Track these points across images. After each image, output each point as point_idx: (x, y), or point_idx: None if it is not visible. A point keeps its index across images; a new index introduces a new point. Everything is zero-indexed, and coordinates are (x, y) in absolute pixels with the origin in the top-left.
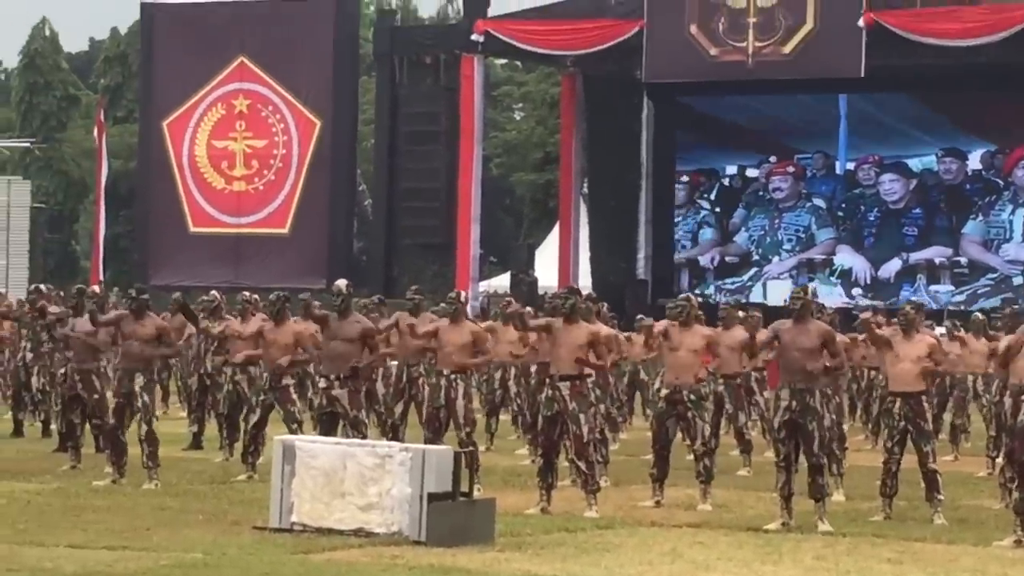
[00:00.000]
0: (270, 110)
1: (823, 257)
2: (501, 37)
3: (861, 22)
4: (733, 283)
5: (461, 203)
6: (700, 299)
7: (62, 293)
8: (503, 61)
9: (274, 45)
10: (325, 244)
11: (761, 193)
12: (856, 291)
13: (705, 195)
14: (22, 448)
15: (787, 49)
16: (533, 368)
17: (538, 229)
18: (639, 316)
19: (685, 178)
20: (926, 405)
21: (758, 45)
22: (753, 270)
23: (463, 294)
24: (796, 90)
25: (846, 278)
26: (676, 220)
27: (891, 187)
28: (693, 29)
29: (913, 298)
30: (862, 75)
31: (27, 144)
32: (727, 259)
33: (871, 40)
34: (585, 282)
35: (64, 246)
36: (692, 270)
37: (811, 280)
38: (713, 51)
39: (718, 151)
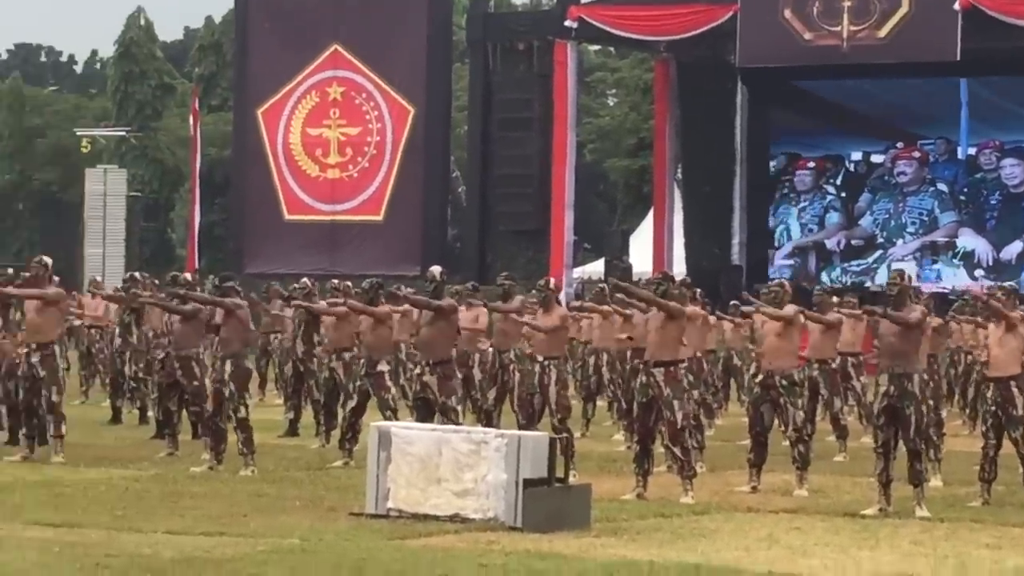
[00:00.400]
0: (364, 97)
1: (946, 240)
2: (594, 23)
3: (957, 5)
4: (858, 265)
5: (555, 189)
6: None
7: (157, 281)
8: (596, 47)
9: (368, 33)
10: (419, 231)
11: (886, 178)
12: (978, 272)
13: (831, 180)
14: (120, 435)
15: (882, 33)
16: (628, 354)
17: (632, 215)
18: (733, 302)
19: (812, 164)
20: (1015, 390)
21: (853, 29)
22: (878, 253)
23: (552, 281)
24: (892, 74)
25: (968, 260)
26: (803, 205)
27: (1012, 171)
28: (787, 13)
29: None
30: (957, 58)
31: (123, 133)
32: (852, 242)
33: (967, 23)
34: (679, 268)
35: (160, 234)
36: (819, 253)
37: (934, 262)
38: (807, 35)
39: (828, 136)
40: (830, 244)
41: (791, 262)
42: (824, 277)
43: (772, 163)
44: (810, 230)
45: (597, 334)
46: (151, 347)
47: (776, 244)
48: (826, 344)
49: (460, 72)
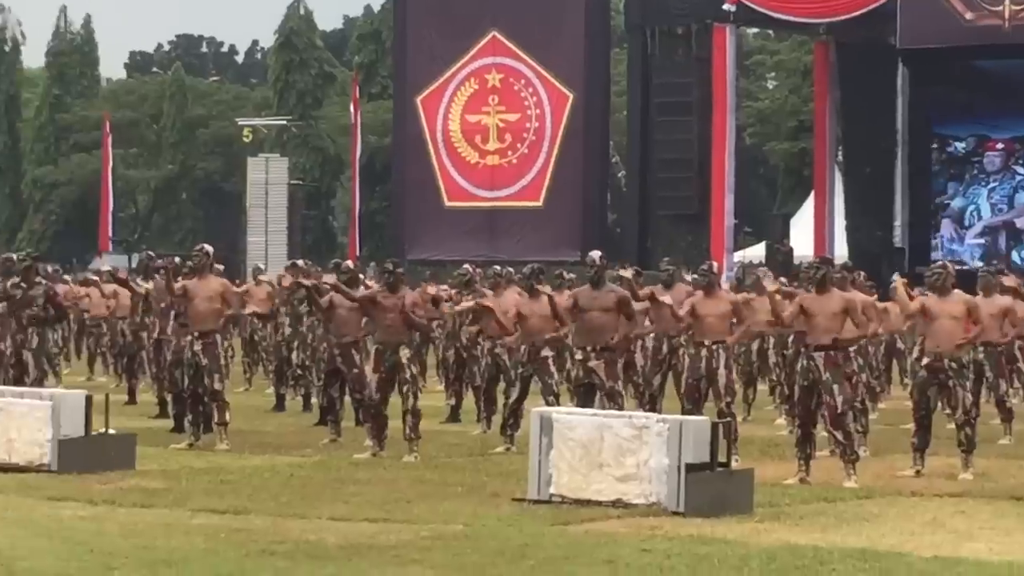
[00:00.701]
0: (523, 84)
1: None
2: (753, 6)
3: None
4: None
5: (715, 173)
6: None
7: (319, 269)
8: (755, 30)
9: (526, 19)
10: (579, 216)
11: None
12: None
13: (1020, 161)
14: (284, 422)
15: None
16: (790, 339)
17: (792, 198)
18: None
19: (1000, 145)
20: None
21: (1015, 8)
22: None
23: (715, 264)
24: None
25: None
26: (992, 185)
27: None
28: None
29: None
30: None
31: (284, 122)
32: None
33: None
34: (841, 251)
35: (321, 222)
36: (1009, 232)
37: None
38: (968, 15)
39: (994, 115)
40: (1020, 223)
41: (981, 241)
42: (1015, 256)
43: (960, 144)
44: (1000, 209)
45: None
46: (316, 336)
47: (966, 224)
48: (992, 327)
49: (619, 57)
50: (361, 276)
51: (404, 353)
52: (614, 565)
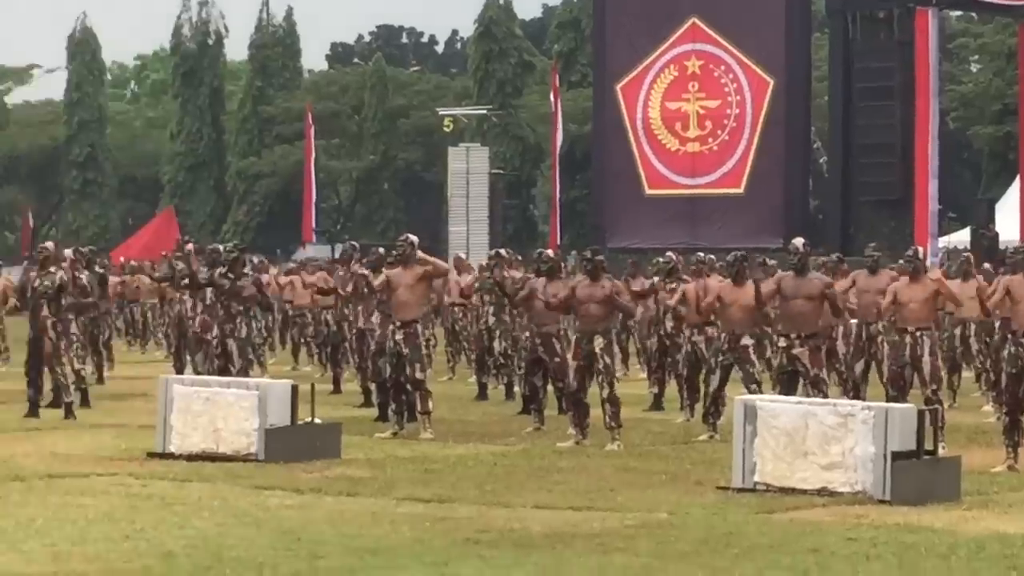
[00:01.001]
0: (723, 70)
1: None
2: None
3: None
4: None
5: (918, 158)
6: None
7: (520, 257)
8: (958, 13)
9: (726, 5)
10: (780, 203)
11: None
12: None
13: None
14: (487, 411)
15: None
16: (996, 324)
17: (998, 183)
18: None
19: None
20: None
21: None
22: None
23: (920, 250)
24: None
25: None
26: None
27: None
28: None
29: None
30: None
31: (484, 111)
32: None
33: None
34: None
35: (522, 211)
36: None
37: None
38: None
39: None
40: None
41: None
42: None
43: None
44: None
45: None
46: (518, 324)
47: None
48: None
49: (820, 42)
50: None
51: (598, 343)
52: (819, 554)
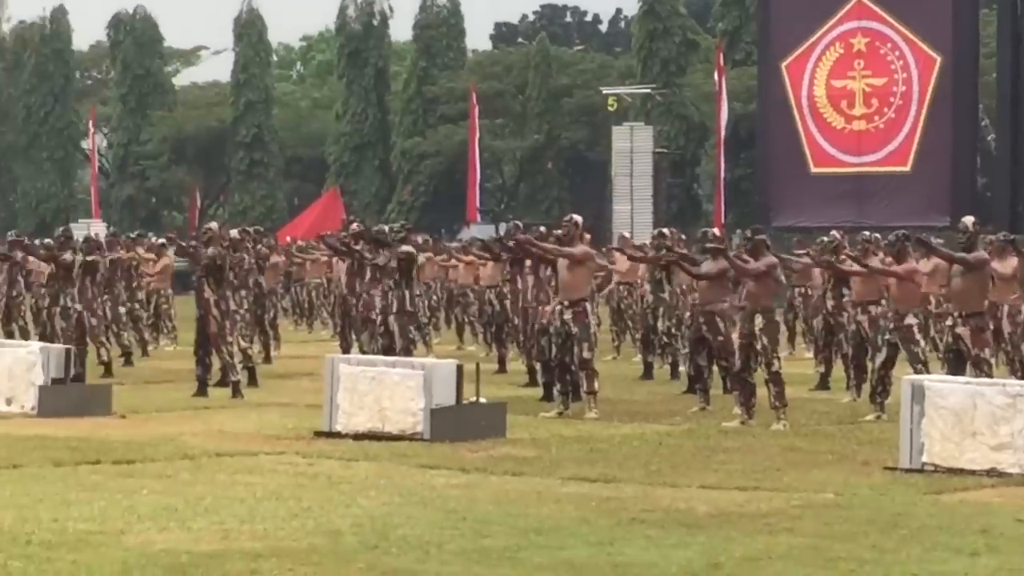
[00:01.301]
0: (888, 47)
1: None
2: None
3: None
4: None
5: None
6: None
7: (684, 237)
8: None
9: None
10: (948, 181)
11: None
12: None
13: None
14: (652, 390)
15: None
16: None
17: None
18: None
19: None
20: None
21: None
22: None
23: None
24: None
25: None
26: None
27: None
28: None
29: None
30: None
31: (648, 90)
32: None
33: None
34: None
35: (686, 190)
36: None
37: None
38: None
39: None
40: None
41: None
42: None
43: None
44: None
45: None
46: (680, 303)
47: None
48: None
49: (987, 18)
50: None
51: (758, 321)
52: (988, 535)
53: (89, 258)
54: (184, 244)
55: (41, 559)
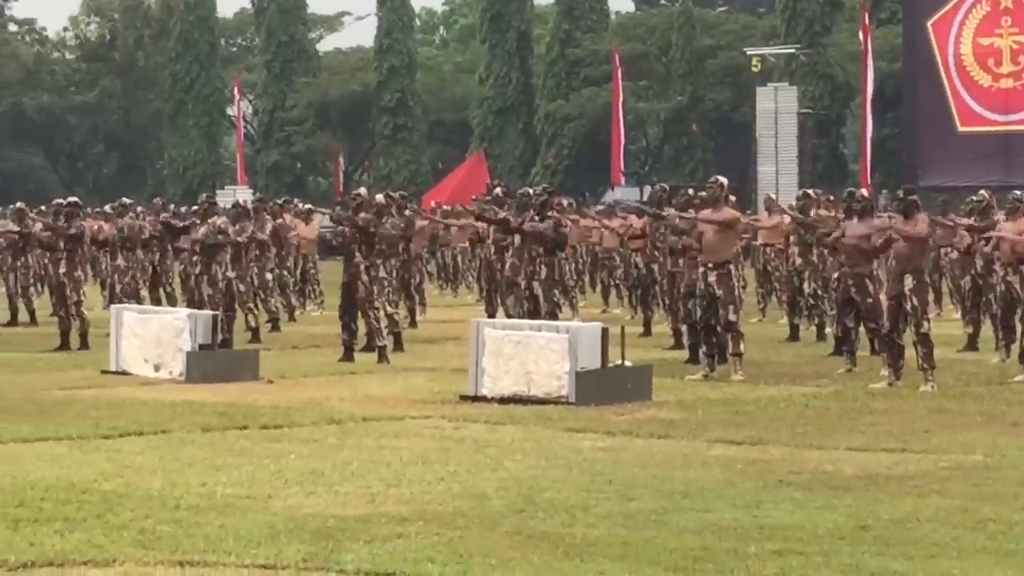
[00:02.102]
0: None
1: None
2: None
3: None
4: None
5: None
6: None
7: (832, 198)
8: None
9: None
10: None
11: None
12: None
13: None
14: (798, 352)
15: None
16: None
17: None
18: None
19: None
20: None
21: None
22: None
23: None
24: None
25: None
26: None
27: None
28: None
29: None
30: None
31: (792, 50)
32: None
33: None
34: None
35: (831, 150)
36: None
37: None
38: None
39: None
40: None
41: None
42: None
43: None
44: None
45: None
46: (827, 265)
47: None
48: None
49: None
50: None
51: (908, 282)
52: None
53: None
54: (339, 213)
55: (189, 523)
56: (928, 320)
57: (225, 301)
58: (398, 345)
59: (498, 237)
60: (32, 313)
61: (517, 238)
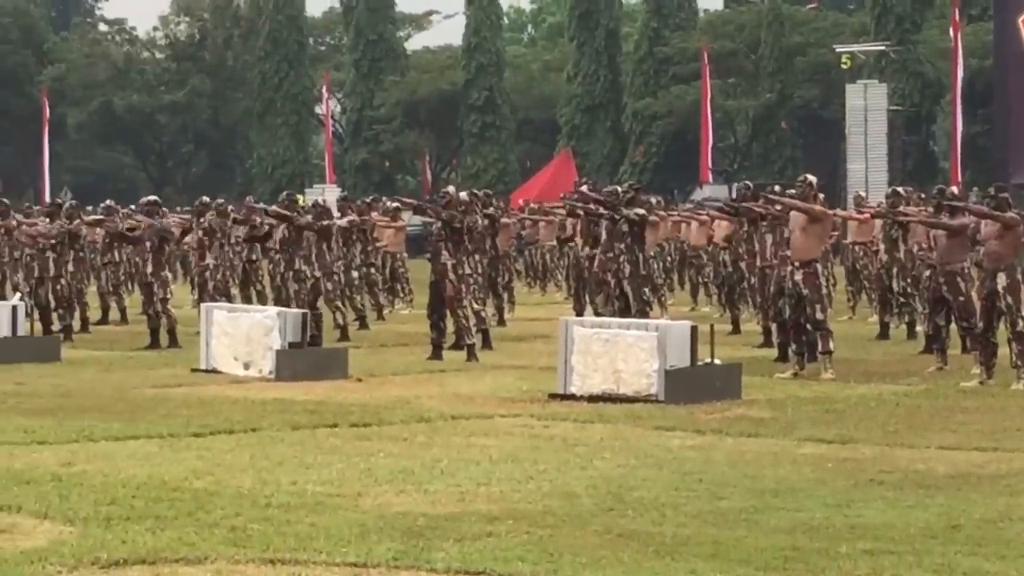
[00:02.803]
0: None
1: None
2: None
3: None
4: None
5: None
6: None
7: (922, 195)
8: None
9: None
10: None
11: None
12: None
13: None
14: (888, 350)
15: None
16: None
17: None
18: None
19: None
20: None
21: None
22: None
23: None
24: None
25: None
26: None
27: None
28: None
29: None
30: None
31: (882, 47)
32: None
33: None
34: None
35: (921, 147)
36: None
37: None
38: None
39: None
40: None
41: None
42: None
43: None
44: None
45: None
46: (916, 262)
47: None
48: None
49: None
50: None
51: (1001, 280)
52: None
53: (323, 223)
54: (425, 205)
55: (280, 521)
56: (1023, 318)
57: (311, 299)
58: (486, 343)
59: (587, 234)
60: (123, 311)
61: (604, 234)
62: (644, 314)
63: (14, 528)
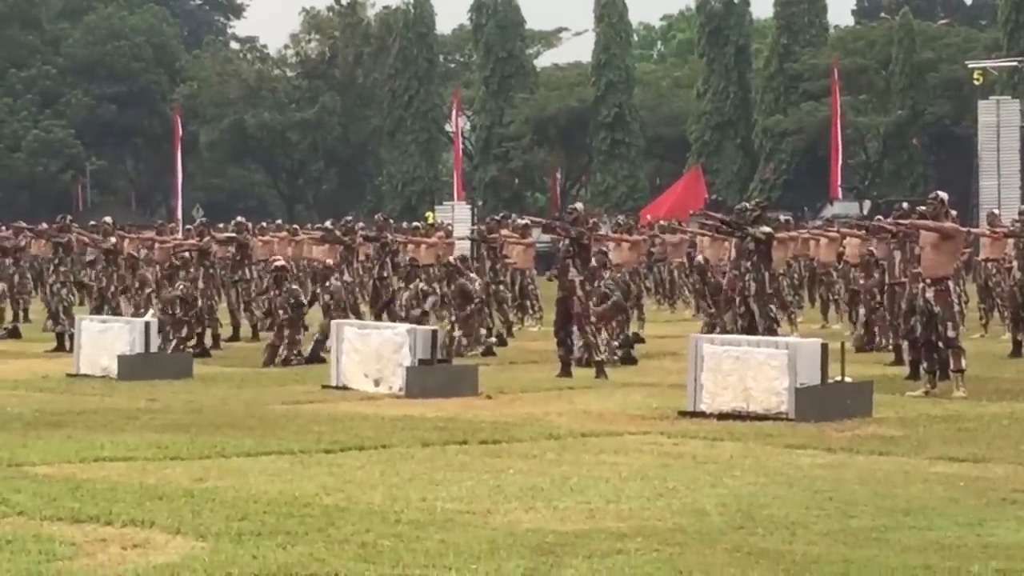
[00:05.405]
0: None
1: None
2: None
3: None
4: None
5: None
6: None
7: None
8: None
9: None
10: None
11: None
12: None
13: None
14: (1021, 368)
15: None
16: None
17: None
18: None
19: None
20: None
21: None
22: None
23: None
24: None
25: None
26: None
27: None
28: None
29: None
30: None
31: (1015, 63)
32: None
33: None
34: None
35: None
36: None
37: None
38: None
39: None
40: None
41: None
42: None
43: None
44: None
45: None
46: None
47: None
48: None
49: None
50: None
51: None
52: None
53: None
54: (553, 223)
55: (410, 538)
56: None
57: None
58: (628, 360)
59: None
60: (255, 327)
61: (733, 251)
62: (771, 331)
63: (147, 543)
